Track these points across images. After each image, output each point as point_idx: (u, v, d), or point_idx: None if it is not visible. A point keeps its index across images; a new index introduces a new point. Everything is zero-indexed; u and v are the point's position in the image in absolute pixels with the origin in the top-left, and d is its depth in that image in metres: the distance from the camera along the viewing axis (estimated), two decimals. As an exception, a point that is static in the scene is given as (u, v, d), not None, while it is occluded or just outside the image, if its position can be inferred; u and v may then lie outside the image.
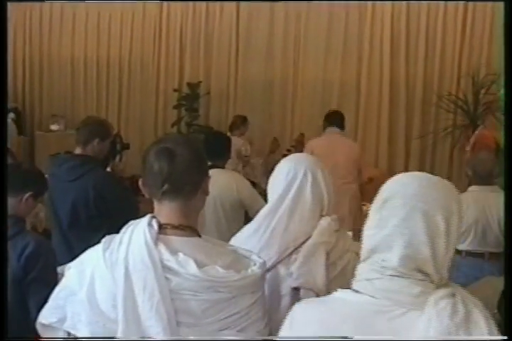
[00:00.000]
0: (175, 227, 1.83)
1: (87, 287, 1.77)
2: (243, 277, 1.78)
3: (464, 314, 1.40)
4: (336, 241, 2.39)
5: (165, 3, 9.77)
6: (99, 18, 10.28)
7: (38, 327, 1.93)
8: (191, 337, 1.74)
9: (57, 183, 3.75)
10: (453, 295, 1.43)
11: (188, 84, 9.70)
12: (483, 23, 8.17)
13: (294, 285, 2.32)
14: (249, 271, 1.81)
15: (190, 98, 9.63)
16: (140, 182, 1.89)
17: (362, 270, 1.55)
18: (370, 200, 5.86)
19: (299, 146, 7.67)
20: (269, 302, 2.34)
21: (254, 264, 1.86)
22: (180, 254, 1.74)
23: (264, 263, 1.91)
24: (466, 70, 8.22)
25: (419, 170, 5.99)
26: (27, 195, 2.88)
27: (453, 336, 1.36)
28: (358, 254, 2.42)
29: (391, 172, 8.55)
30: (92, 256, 1.84)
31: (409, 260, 1.47)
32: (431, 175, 1.59)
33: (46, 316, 1.89)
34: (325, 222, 2.40)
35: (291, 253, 2.38)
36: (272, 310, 2.35)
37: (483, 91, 7.83)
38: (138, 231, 1.78)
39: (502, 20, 7.35)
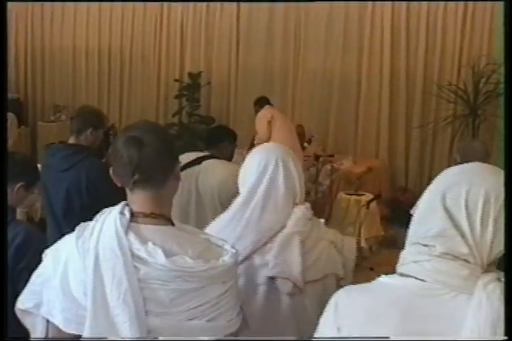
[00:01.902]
0: (146, 216, 1.83)
1: (61, 274, 1.79)
2: (212, 267, 1.77)
3: None
4: (309, 229, 2.42)
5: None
6: (101, 9, 10.31)
7: (17, 312, 1.94)
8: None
9: (51, 173, 3.77)
10: (499, 279, 1.44)
11: (189, 74, 9.70)
12: (484, 13, 8.10)
13: (270, 274, 2.34)
14: (220, 260, 1.81)
15: (191, 88, 9.63)
16: (111, 172, 1.89)
17: (408, 253, 1.55)
18: (369, 190, 5.91)
19: (298, 138, 7.71)
20: (244, 292, 2.35)
21: (227, 254, 1.85)
22: (150, 243, 1.74)
23: (236, 253, 1.90)
24: (466, 60, 8.18)
25: (420, 160, 6.01)
26: (18, 185, 2.89)
27: (503, 319, 1.36)
28: (332, 242, 2.46)
29: (391, 162, 8.57)
30: (66, 244, 1.85)
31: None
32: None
33: (23, 301, 1.91)
34: (299, 210, 2.42)
35: (266, 243, 2.40)
36: (247, 300, 2.38)
37: (483, 80, 7.79)
38: (110, 220, 1.79)
39: (502, 10, 7.37)
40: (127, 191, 1.88)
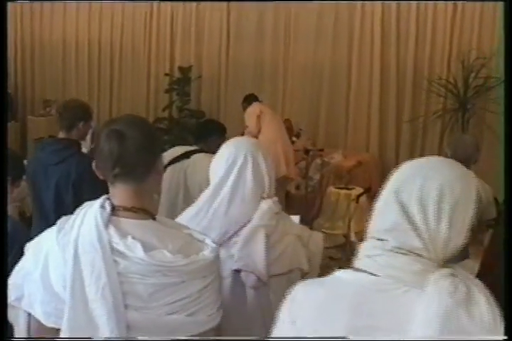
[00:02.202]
0: (127, 209, 1.82)
1: (42, 267, 1.78)
2: (192, 262, 1.75)
3: (465, 293, 1.39)
4: (276, 223, 2.41)
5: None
6: (91, 3, 10.23)
7: None
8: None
9: (40, 167, 3.76)
10: (453, 275, 1.43)
11: (180, 68, 9.69)
12: (474, 7, 8.11)
13: (235, 267, 2.35)
14: (200, 255, 1.79)
15: (181, 82, 9.62)
16: (93, 165, 1.87)
17: (363, 248, 1.54)
18: (359, 184, 5.91)
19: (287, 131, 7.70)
20: None
21: (207, 248, 1.84)
22: (129, 237, 1.73)
23: (217, 247, 1.89)
24: (456, 54, 8.19)
25: (410, 154, 5.98)
26: (4, 179, 2.89)
27: (453, 315, 1.35)
28: (298, 236, 2.46)
29: (382, 156, 8.58)
30: (47, 237, 1.83)
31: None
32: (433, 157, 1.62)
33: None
34: (265, 204, 2.42)
35: (231, 236, 2.41)
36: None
37: (472, 75, 7.81)
38: (90, 213, 1.78)
39: (491, 5, 7.37)
40: (109, 184, 1.87)
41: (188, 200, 4.05)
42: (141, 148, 1.81)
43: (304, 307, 1.53)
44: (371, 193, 6.97)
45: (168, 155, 4.28)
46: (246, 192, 2.43)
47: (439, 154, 8.10)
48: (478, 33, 8.12)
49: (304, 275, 2.39)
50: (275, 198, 2.48)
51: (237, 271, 2.36)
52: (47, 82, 10.74)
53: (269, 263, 2.32)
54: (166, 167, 4.24)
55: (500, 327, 1.38)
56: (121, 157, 1.79)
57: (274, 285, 2.34)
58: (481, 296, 1.40)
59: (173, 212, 4.06)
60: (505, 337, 1.38)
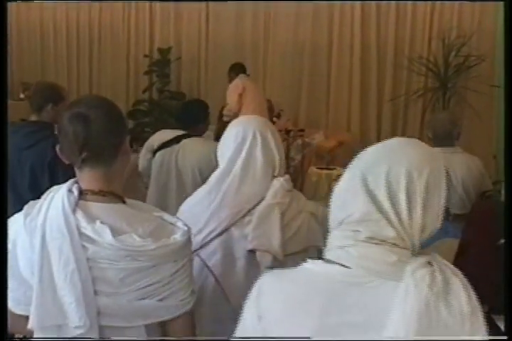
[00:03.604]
0: (95, 193, 1.77)
1: (10, 253, 1.74)
2: (162, 245, 1.71)
3: (443, 283, 1.33)
4: (289, 201, 2.40)
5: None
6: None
7: None
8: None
9: (13, 151, 3.70)
10: (430, 263, 1.37)
11: (159, 50, 9.62)
12: (454, -16, 8.10)
13: (250, 247, 2.33)
14: (171, 239, 1.75)
15: (161, 64, 9.56)
16: (57, 149, 1.82)
17: (334, 237, 1.47)
18: (340, 164, 5.91)
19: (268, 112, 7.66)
20: (222, 266, 2.34)
21: (179, 232, 1.79)
22: (98, 222, 1.69)
23: (189, 230, 1.83)
24: (436, 33, 8.18)
25: (392, 133, 5.97)
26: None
27: (431, 308, 1.29)
28: (312, 214, 2.43)
29: (363, 136, 8.58)
30: (15, 222, 1.78)
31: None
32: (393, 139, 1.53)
33: None
34: (277, 182, 2.41)
35: (244, 216, 2.39)
36: (226, 274, 2.36)
37: (453, 53, 7.80)
38: (57, 198, 1.73)
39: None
40: (75, 169, 1.82)
41: (180, 183, 4.08)
42: (107, 130, 1.76)
43: (270, 301, 1.46)
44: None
45: (158, 139, 4.25)
46: (257, 171, 2.42)
47: (421, 133, 8.13)
48: (458, 11, 8.11)
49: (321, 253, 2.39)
50: (287, 176, 2.47)
51: (251, 251, 2.33)
52: (25, 66, 10.60)
53: (285, 242, 2.30)
54: (156, 151, 4.23)
55: (480, 315, 1.34)
56: (87, 141, 1.73)
57: (290, 264, 2.32)
58: (459, 285, 1.35)
59: (165, 197, 4.07)
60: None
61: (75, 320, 1.66)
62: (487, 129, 7.70)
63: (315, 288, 1.42)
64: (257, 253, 2.32)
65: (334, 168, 7.05)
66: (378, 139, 8.39)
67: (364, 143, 7.81)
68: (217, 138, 2.88)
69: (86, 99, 1.91)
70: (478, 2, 7.79)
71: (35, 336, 1.71)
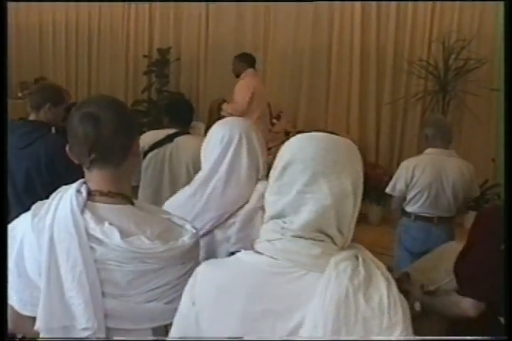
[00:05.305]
0: (103, 194, 1.76)
1: (16, 253, 1.73)
2: (170, 248, 1.71)
3: (365, 276, 1.38)
4: None
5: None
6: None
7: None
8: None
9: (10, 150, 3.69)
10: (355, 256, 1.41)
11: (158, 50, 9.61)
12: (454, -12, 8.10)
13: (232, 249, 2.33)
14: (180, 241, 1.74)
15: (160, 64, 9.56)
16: (67, 149, 1.81)
17: (264, 231, 1.51)
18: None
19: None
20: None
21: (187, 234, 1.79)
22: (106, 223, 1.68)
23: (197, 233, 1.84)
24: (436, 36, 8.17)
25: (390, 136, 5.95)
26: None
27: (350, 299, 1.34)
28: None
29: (362, 138, 8.57)
30: (22, 222, 1.77)
31: (313, 223, 1.42)
32: (330, 136, 1.53)
33: None
34: (261, 185, 2.42)
35: (228, 218, 2.40)
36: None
37: (453, 56, 7.79)
38: (66, 198, 1.72)
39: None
40: (84, 169, 1.81)
41: (174, 182, 4.07)
42: (117, 131, 1.74)
43: (203, 288, 1.50)
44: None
45: (148, 140, 4.24)
46: (241, 173, 2.43)
47: (420, 136, 8.13)
48: (458, 14, 8.10)
49: None
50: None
51: (234, 254, 2.33)
52: (24, 65, 10.59)
53: None
54: (147, 152, 4.21)
55: (399, 309, 1.37)
56: (97, 142, 1.72)
57: None
58: (381, 279, 1.39)
59: (158, 197, 4.06)
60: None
61: (83, 322, 1.65)
62: (486, 132, 7.72)
63: (242, 276, 1.47)
64: None
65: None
66: (377, 142, 8.46)
67: (363, 146, 7.80)
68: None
69: (95, 99, 1.90)
70: (479, 5, 7.78)
71: (41, 337, 1.70)
